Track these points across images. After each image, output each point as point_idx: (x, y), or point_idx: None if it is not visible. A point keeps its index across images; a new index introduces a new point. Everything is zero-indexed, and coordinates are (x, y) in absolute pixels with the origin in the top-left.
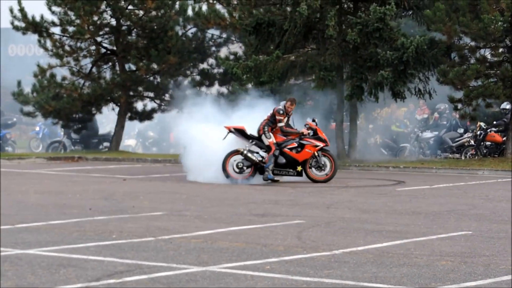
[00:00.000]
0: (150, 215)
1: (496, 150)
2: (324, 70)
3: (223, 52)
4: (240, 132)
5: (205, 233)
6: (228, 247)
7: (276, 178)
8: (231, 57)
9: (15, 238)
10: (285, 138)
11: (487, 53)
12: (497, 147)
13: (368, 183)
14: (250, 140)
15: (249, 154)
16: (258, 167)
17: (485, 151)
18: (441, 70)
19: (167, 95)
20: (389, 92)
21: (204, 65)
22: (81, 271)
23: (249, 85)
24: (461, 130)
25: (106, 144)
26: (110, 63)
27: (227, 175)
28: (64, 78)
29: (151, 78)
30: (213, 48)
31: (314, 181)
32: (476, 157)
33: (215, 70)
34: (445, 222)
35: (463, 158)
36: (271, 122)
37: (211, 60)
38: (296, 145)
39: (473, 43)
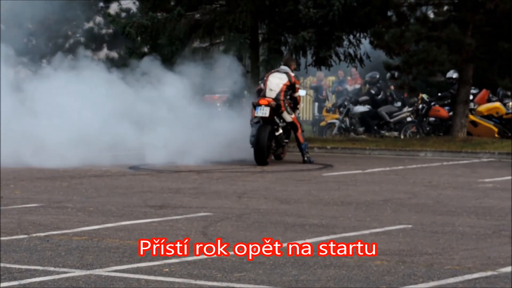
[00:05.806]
0: (22, 208)
1: (441, 128)
2: (235, 31)
3: (113, 8)
4: (275, 109)
5: (90, 229)
6: (118, 246)
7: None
8: (123, 14)
9: None
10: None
11: (429, 11)
12: (442, 124)
13: (288, 168)
14: (281, 120)
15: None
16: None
17: (428, 128)
18: (375, 32)
19: (43, 61)
20: (313, 58)
21: (90, 24)
22: None
23: (145, 49)
24: (399, 104)
25: None
26: None
27: (266, 162)
28: None
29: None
30: (101, 4)
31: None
32: (418, 135)
33: (104, 31)
34: (380, 214)
35: (402, 137)
36: (288, 94)
37: (99, 18)
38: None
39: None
